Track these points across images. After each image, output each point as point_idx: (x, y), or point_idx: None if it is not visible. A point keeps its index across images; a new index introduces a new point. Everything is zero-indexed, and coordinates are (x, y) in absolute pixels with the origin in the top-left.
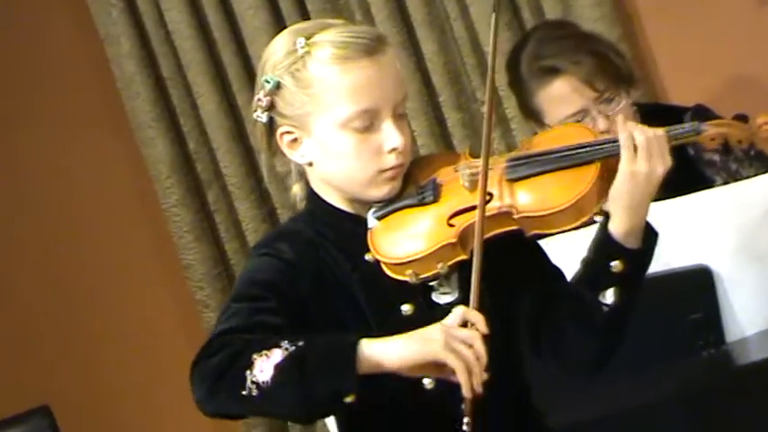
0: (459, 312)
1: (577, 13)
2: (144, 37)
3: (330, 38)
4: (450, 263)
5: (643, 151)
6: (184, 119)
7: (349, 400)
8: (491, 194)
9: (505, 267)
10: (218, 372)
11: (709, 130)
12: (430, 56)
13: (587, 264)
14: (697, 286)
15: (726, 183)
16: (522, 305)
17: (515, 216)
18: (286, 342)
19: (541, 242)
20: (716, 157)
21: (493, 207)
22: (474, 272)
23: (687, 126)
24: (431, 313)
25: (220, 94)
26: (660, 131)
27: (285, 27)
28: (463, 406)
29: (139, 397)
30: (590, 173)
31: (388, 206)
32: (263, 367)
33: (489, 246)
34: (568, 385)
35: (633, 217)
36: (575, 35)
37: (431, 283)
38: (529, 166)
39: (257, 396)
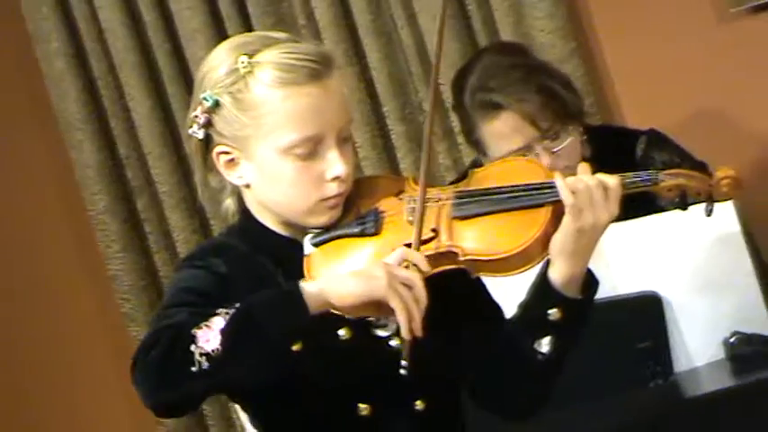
0: (399, 251)
1: (530, 25)
2: (75, 35)
3: (274, 59)
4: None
5: (589, 206)
6: (115, 121)
7: (296, 348)
8: (436, 231)
9: (445, 305)
10: (161, 359)
11: (667, 180)
12: (375, 64)
13: (525, 309)
14: (646, 314)
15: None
16: (462, 340)
17: (461, 258)
18: (223, 309)
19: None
20: (638, 153)
21: (438, 245)
22: (417, 216)
23: (644, 175)
24: (367, 339)
25: (153, 98)
26: (615, 182)
27: (224, 29)
28: (402, 347)
29: (61, 410)
30: (540, 217)
31: (327, 233)
32: (208, 336)
33: (430, 281)
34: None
35: (575, 266)
36: (524, 66)
37: (370, 319)
38: (477, 205)
39: (209, 367)
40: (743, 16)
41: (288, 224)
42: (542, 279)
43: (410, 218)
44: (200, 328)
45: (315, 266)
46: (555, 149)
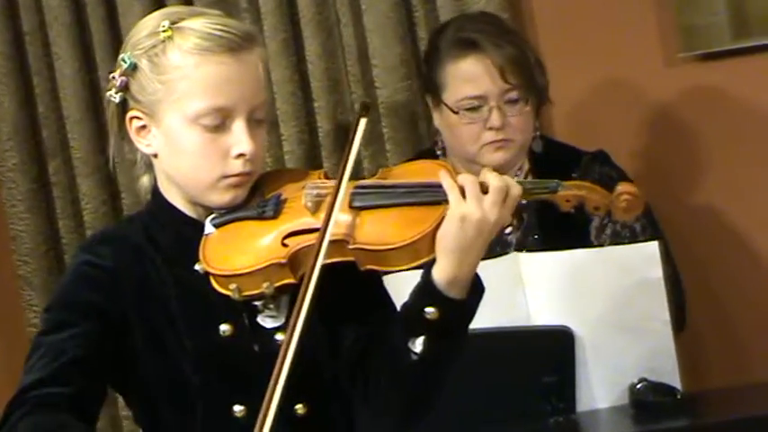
0: None
1: None
2: None
3: (196, 26)
4: (277, 284)
5: (475, 198)
6: (38, 79)
7: None
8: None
9: (337, 300)
10: None
11: (566, 191)
12: (312, 58)
13: (404, 307)
14: (556, 348)
15: (603, 225)
16: (346, 342)
17: (350, 246)
18: None
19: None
20: (602, 222)
21: (330, 233)
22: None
23: (545, 182)
24: (250, 336)
25: (81, 60)
26: (514, 184)
27: (163, 3)
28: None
29: None
30: (434, 214)
31: (228, 215)
32: None
33: (326, 276)
34: None
35: (459, 265)
36: (506, 26)
37: (256, 304)
38: (376, 197)
39: None
40: (690, 62)
41: (194, 203)
42: (425, 276)
43: (308, 203)
44: None
45: (210, 247)
46: (509, 114)
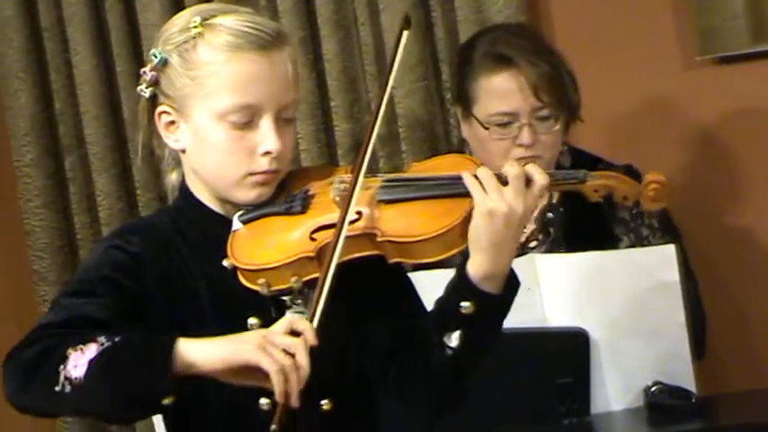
0: (286, 320)
1: None
2: None
3: (227, 23)
4: (305, 278)
5: (497, 191)
6: (55, 75)
7: (167, 401)
8: (360, 213)
9: (366, 296)
10: (31, 365)
11: (594, 180)
12: (329, 57)
13: (439, 302)
14: (571, 350)
15: (632, 246)
16: (378, 337)
17: (378, 239)
18: (103, 337)
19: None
20: (628, 217)
21: (357, 227)
22: (320, 283)
23: (573, 172)
24: None
25: (99, 57)
26: (542, 174)
27: (182, 0)
28: (275, 411)
29: None
30: (462, 206)
31: (255, 211)
32: (78, 362)
33: (352, 271)
34: None
35: (493, 259)
36: (541, 42)
37: (284, 299)
38: (403, 190)
39: (70, 393)
40: (708, 65)
41: (221, 200)
42: (460, 271)
43: (336, 198)
44: (76, 350)
45: (238, 243)
46: (540, 131)
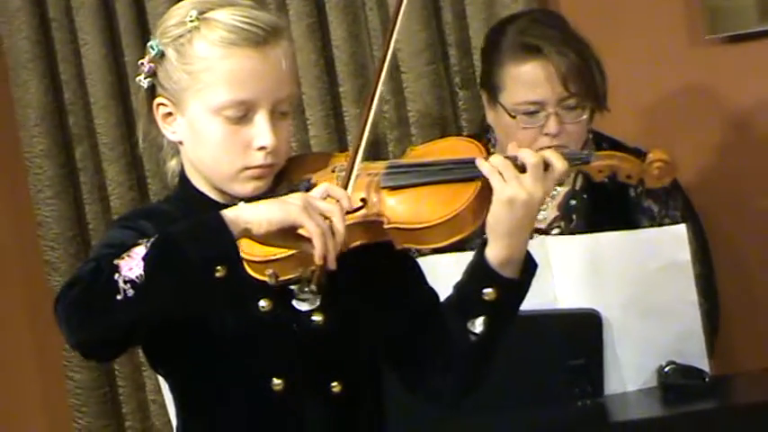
0: (323, 186)
1: None
2: None
3: (223, 18)
4: (311, 267)
5: (515, 178)
6: (65, 65)
7: (220, 273)
8: (364, 200)
9: (376, 284)
10: (84, 292)
11: (598, 161)
12: (338, 43)
13: (460, 288)
14: (584, 331)
15: None
16: (389, 324)
17: (386, 226)
18: (144, 240)
19: (426, 261)
20: (654, 208)
21: (361, 213)
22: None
23: (577, 153)
24: (289, 313)
25: (108, 46)
26: (559, 159)
27: None
28: (312, 275)
29: None
30: (468, 190)
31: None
32: (131, 265)
33: (360, 259)
34: (428, 419)
35: (512, 245)
36: (570, 30)
37: (292, 288)
38: (408, 176)
39: (135, 294)
40: (717, 44)
41: (221, 191)
42: (479, 258)
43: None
44: (123, 258)
45: None
46: (566, 120)
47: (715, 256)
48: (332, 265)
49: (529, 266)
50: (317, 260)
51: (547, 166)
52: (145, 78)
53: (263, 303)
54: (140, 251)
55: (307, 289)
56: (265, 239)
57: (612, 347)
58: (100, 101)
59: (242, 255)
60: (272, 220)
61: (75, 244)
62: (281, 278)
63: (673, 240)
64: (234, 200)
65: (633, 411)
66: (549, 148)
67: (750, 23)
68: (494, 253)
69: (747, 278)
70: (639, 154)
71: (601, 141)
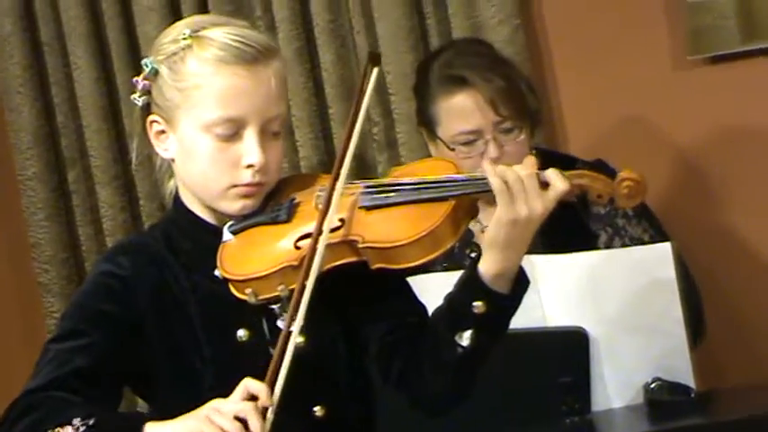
0: (243, 385)
1: None
2: None
3: (216, 36)
4: (290, 286)
5: (522, 195)
6: (57, 89)
7: None
8: (342, 221)
9: (358, 300)
10: None
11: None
12: (326, 66)
13: (450, 300)
14: (571, 349)
15: (611, 238)
16: (376, 336)
17: (360, 246)
18: (78, 420)
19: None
20: (602, 211)
21: (338, 234)
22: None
23: None
24: (269, 341)
25: (98, 70)
26: (564, 179)
27: (179, 11)
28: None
29: None
30: (441, 210)
31: (244, 221)
32: None
33: (342, 276)
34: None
35: (507, 260)
36: (493, 56)
37: (273, 307)
38: (383, 197)
39: None
40: (699, 64)
41: (212, 210)
42: (471, 271)
43: (319, 205)
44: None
45: (227, 253)
46: (505, 143)
47: (697, 275)
48: None
49: (520, 283)
50: None
51: (546, 185)
52: (140, 96)
53: (240, 333)
54: None
55: (288, 309)
56: None
57: (599, 365)
58: (92, 124)
59: (225, 274)
60: None
61: (68, 266)
62: (261, 297)
63: (658, 258)
64: (224, 219)
65: (620, 428)
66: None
67: (732, 44)
68: (487, 266)
69: (727, 296)
70: (575, 164)
71: (550, 159)
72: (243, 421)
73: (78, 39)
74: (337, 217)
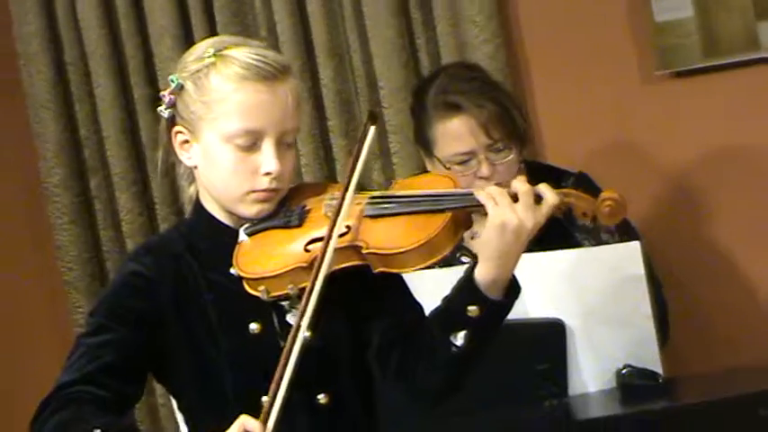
0: (239, 422)
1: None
2: (53, 20)
3: (238, 56)
4: (300, 285)
5: (509, 208)
6: (80, 105)
7: None
8: (348, 227)
9: (361, 299)
10: None
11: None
12: (326, 81)
13: (447, 302)
14: (549, 338)
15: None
16: (377, 331)
17: (364, 251)
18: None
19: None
20: (588, 224)
21: (345, 239)
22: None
23: None
24: (277, 333)
25: (118, 86)
26: (555, 194)
27: (191, 32)
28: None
29: None
30: (439, 220)
31: (259, 224)
32: None
33: (344, 276)
34: (406, 421)
35: (499, 268)
36: (485, 80)
37: (283, 304)
38: (387, 207)
39: None
40: (666, 79)
41: (230, 213)
42: (467, 277)
43: (328, 212)
44: None
45: (243, 253)
46: (496, 162)
47: (662, 275)
48: None
49: (513, 290)
50: None
51: (539, 198)
52: (166, 109)
53: (253, 327)
54: None
55: (297, 305)
56: None
57: (575, 353)
58: (112, 136)
59: (240, 272)
60: None
61: (90, 265)
62: (272, 294)
63: (628, 256)
64: (240, 221)
65: (595, 410)
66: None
67: (695, 60)
68: (481, 273)
69: (690, 293)
70: (562, 175)
71: (539, 172)
72: None
73: (99, 58)
74: (345, 224)
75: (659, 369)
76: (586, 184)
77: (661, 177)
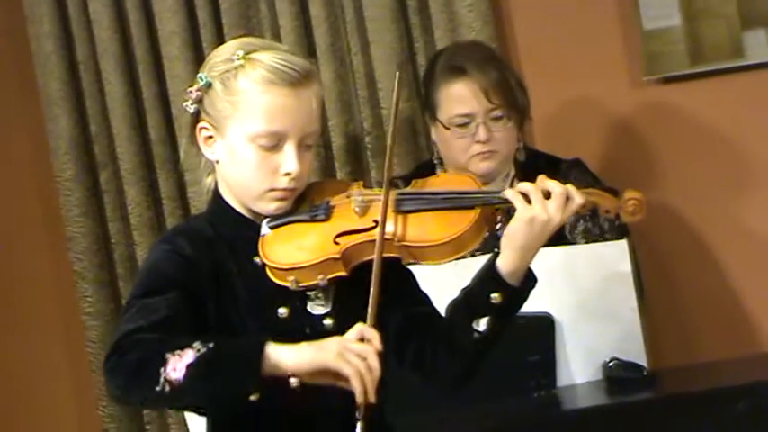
0: (357, 328)
1: None
2: (65, 20)
3: (265, 59)
4: (330, 276)
5: (542, 203)
6: (90, 102)
7: (254, 398)
8: (376, 222)
9: (383, 288)
10: (134, 368)
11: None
12: (327, 83)
13: (469, 291)
14: (539, 331)
15: (588, 227)
16: (392, 323)
17: (395, 244)
18: (198, 343)
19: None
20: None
21: (377, 233)
22: (372, 290)
23: None
24: (304, 320)
25: (128, 85)
26: (579, 193)
27: (198, 34)
28: (357, 413)
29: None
30: (469, 216)
31: (282, 218)
32: (177, 366)
33: (365, 268)
34: (414, 407)
35: (521, 258)
36: (489, 52)
37: (308, 294)
38: (418, 202)
39: (169, 392)
40: (653, 85)
41: (248, 207)
42: (490, 266)
43: (356, 208)
44: (174, 354)
45: (268, 245)
46: (493, 129)
47: (648, 275)
48: (371, 398)
49: (530, 278)
50: (358, 398)
51: (568, 198)
52: (191, 104)
53: (281, 311)
54: (189, 356)
55: (321, 295)
56: (305, 379)
57: (563, 346)
58: (121, 132)
59: (266, 262)
60: (309, 363)
61: (99, 256)
62: (301, 284)
63: (615, 254)
64: (258, 216)
65: (582, 400)
66: (482, 154)
67: (683, 66)
68: (504, 263)
69: (673, 288)
70: (559, 164)
71: (537, 158)
72: (364, 360)
73: (110, 58)
74: (372, 218)
75: (644, 362)
76: (580, 166)
77: (648, 180)
